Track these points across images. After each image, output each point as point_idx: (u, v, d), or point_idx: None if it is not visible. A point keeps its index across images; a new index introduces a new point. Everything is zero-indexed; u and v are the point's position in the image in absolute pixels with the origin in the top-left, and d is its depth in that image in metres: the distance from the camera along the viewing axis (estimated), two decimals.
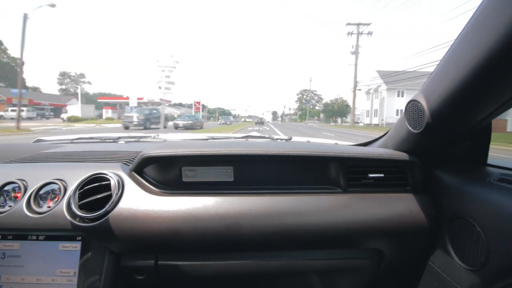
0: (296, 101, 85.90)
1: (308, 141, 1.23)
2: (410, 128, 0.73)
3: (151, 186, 0.75)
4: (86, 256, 0.68)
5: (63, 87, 68.88)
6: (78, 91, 32.93)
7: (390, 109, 32.45)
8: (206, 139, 1.20)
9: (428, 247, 0.77)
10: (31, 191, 0.71)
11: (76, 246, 0.69)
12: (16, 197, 0.71)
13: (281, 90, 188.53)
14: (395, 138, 0.85)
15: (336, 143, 1.16)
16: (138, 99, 32.35)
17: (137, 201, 0.71)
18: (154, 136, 1.27)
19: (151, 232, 0.68)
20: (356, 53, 26.92)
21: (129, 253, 0.72)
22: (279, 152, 0.77)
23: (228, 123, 36.89)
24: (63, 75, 68.44)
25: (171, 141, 1.17)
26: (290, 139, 1.24)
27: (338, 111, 50.55)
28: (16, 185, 0.72)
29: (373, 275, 0.82)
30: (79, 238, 0.69)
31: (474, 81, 0.54)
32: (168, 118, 20.33)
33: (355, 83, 27.22)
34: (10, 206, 0.69)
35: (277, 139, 1.23)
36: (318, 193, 0.78)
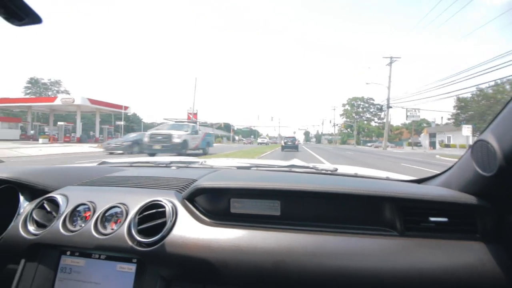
0: (341, 115, 63.75)
1: (356, 173, 1.15)
2: (479, 170, 0.65)
3: (202, 216, 0.79)
4: (140, 279, 0.73)
5: (32, 97, 52.30)
6: None
7: None
8: (249, 167, 1.24)
9: None
10: (98, 213, 0.79)
11: (132, 268, 0.74)
12: (85, 217, 0.80)
13: (313, 108, 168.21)
14: (460, 178, 0.77)
15: (388, 177, 1.10)
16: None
17: (189, 229, 0.74)
18: (202, 162, 1.36)
19: (200, 261, 0.70)
20: None
21: (178, 280, 0.74)
22: (329, 189, 0.75)
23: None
24: (34, 82, 52.28)
25: (217, 168, 1.23)
26: (336, 170, 1.18)
27: None
28: (86, 206, 0.82)
29: None
30: (135, 260, 0.74)
31: None
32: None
33: None
34: (81, 226, 0.78)
35: (322, 169, 1.18)
36: (371, 234, 0.73)
